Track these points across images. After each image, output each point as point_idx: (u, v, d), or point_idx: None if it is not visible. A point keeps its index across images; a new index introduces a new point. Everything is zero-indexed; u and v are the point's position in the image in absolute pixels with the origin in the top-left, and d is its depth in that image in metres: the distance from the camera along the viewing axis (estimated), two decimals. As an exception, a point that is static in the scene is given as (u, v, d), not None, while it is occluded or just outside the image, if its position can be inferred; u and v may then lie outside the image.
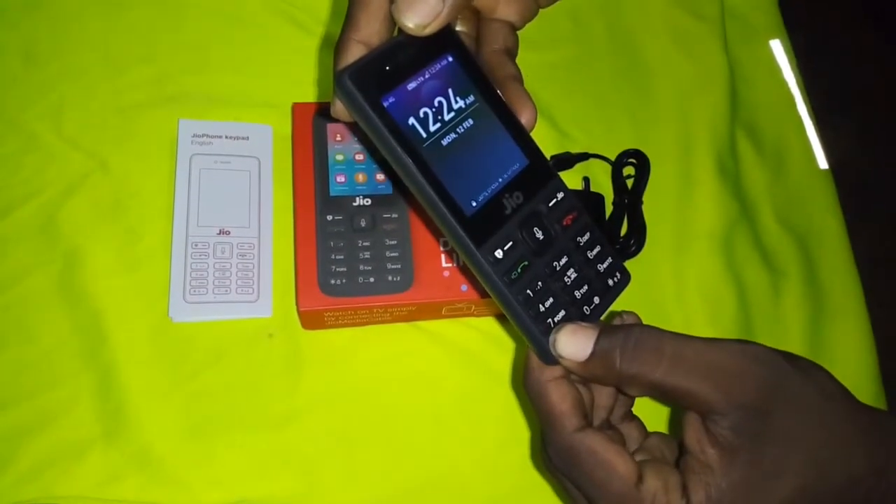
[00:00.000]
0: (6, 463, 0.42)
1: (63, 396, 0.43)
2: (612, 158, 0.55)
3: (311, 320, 0.45)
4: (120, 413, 0.43)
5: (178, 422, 0.44)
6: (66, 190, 0.48)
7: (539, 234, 0.33)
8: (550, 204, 0.34)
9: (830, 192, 0.60)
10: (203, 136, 0.49)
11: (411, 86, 0.31)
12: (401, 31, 0.31)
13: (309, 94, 0.50)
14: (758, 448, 0.30)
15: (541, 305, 0.33)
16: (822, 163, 0.61)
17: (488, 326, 0.49)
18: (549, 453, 0.34)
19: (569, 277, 0.34)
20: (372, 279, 0.44)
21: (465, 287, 0.45)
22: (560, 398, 0.33)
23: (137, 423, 0.43)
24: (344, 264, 0.44)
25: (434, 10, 0.31)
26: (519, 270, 0.33)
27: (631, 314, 0.37)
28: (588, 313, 0.35)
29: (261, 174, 0.49)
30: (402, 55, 0.31)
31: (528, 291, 0.33)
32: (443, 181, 0.31)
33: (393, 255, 0.45)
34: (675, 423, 0.47)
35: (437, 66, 0.32)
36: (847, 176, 0.66)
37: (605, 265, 0.35)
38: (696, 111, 0.59)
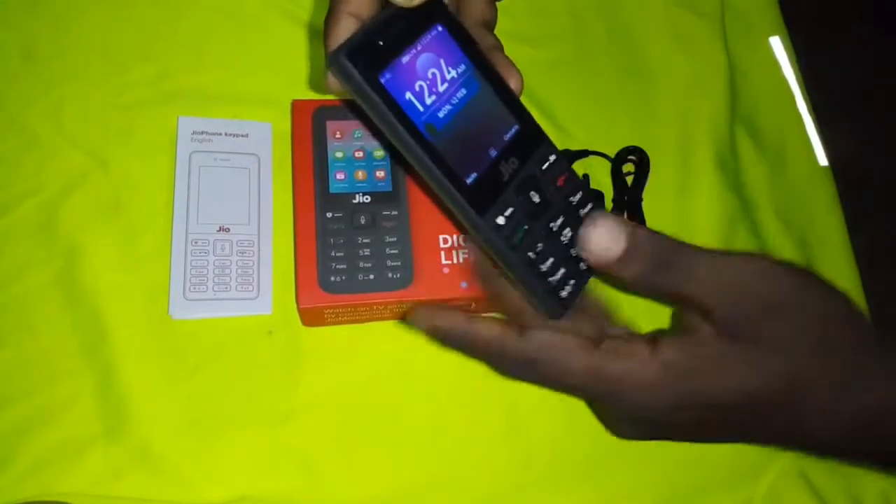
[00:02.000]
0: (7, 460, 0.42)
1: (63, 393, 0.43)
2: (612, 155, 0.55)
3: (311, 317, 0.45)
4: (120, 410, 0.43)
5: (178, 418, 0.44)
6: (65, 187, 0.48)
7: (536, 198, 0.34)
8: (544, 167, 0.35)
9: (830, 189, 0.60)
10: (202, 133, 0.49)
11: (405, 59, 0.31)
12: (390, 3, 0.31)
13: (308, 92, 0.50)
14: (747, 337, 0.31)
15: (542, 266, 0.34)
16: (822, 159, 0.61)
17: (488, 323, 0.49)
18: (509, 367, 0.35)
19: (565, 237, 0.35)
20: (372, 276, 0.44)
21: (465, 284, 0.45)
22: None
23: (138, 419, 0.43)
24: (344, 261, 0.44)
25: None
26: (520, 234, 0.34)
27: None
28: (584, 268, 0.36)
29: (260, 171, 0.49)
30: (394, 29, 0.31)
31: (530, 254, 0.34)
32: (443, 154, 0.32)
33: (393, 252, 0.45)
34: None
35: (429, 38, 0.32)
36: (847, 172, 0.66)
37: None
38: (695, 108, 0.59)
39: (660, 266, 0.32)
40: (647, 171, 0.54)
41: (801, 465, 0.49)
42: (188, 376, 0.45)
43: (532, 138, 0.35)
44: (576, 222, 0.35)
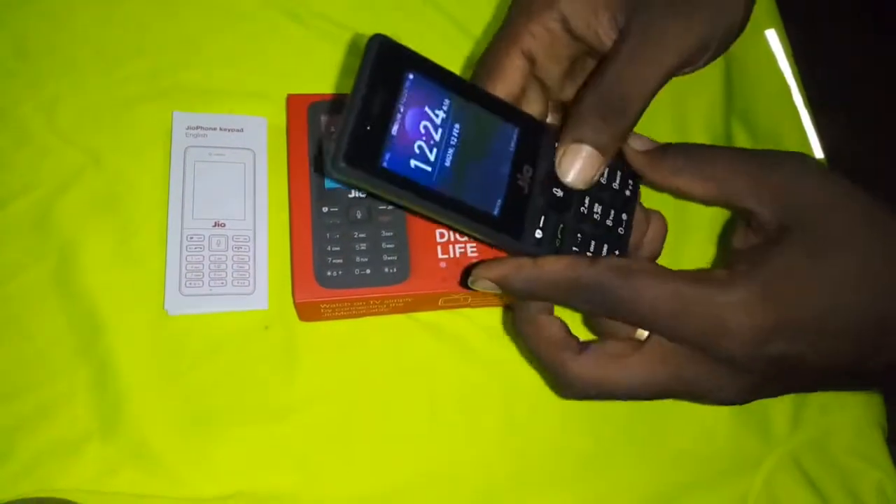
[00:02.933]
0: (3, 457, 0.42)
1: (59, 391, 0.43)
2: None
3: (307, 312, 0.45)
4: (117, 407, 0.43)
5: (174, 415, 0.44)
6: (60, 185, 0.47)
7: (559, 193, 0.34)
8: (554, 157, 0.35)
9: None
10: (197, 128, 0.49)
11: (395, 130, 0.30)
12: (357, 84, 0.29)
13: (303, 86, 0.49)
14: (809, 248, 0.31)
15: (588, 253, 0.34)
16: (818, 152, 0.61)
17: (485, 317, 0.49)
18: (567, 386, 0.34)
19: (597, 213, 0.35)
20: (368, 271, 0.44)
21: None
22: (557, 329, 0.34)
23: (134, 416, 0.43)
24: (340, 256, 0.44)
25: (595, 166, 0.33)
26: (560, 235, 0.34)
27: (657, 215, 0.39)
28: (623, 233, 0.36)
29: (255, 166, 0.49)
30: (373, 104, 0.29)
31: (575, 248, 0.34)
32: (465, 200, 0.32)
33: (389, 246, 0.45)
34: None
35: (406, 93, 0.30)
36: (842, 165, 0.66)
37: (617, 181, 0.37)
38: (691, 101, 0.59)
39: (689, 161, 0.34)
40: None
41: (797, 458, 0.50)
42: (184, 372, 0.45)
43: (532, 134, 0.35)
44: (598, 192, 0.36)
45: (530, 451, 0.47)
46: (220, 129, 0.49)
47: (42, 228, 0.46)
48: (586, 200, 0.35)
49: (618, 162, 0.37)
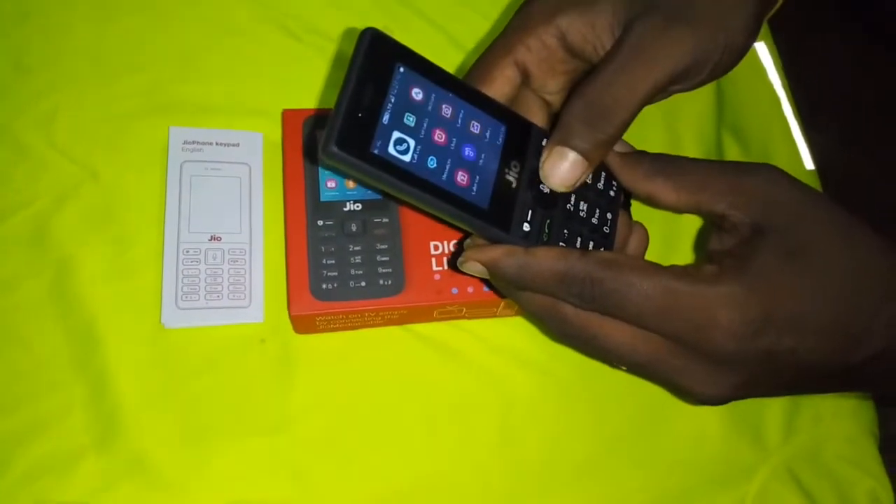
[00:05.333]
0: (0, 471, 0.42)
1: (56, 404, 0.43)
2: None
3: (302, 325, 0.45)
4: (113, 420, 0.43)
5: (171, 428, 0.44)
6: (57, 199, 0.48)
7: (546, 189, 0.35)
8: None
9: (816, 192, 0.61)
10: (193, 143, 0.49)
11: (386, 118, 0.31)
12: (348, 73, 0.30)
13: (299, 101, 0.50)
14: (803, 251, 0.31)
15: (574, 248, 0.35)
16: (809, 163, 0.62)
17: (480, 328, 0.49)
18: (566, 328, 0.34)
19: (583, 211, 0.36)
20: (363, 283, 0.45)
21: (455, 290, 0.46)
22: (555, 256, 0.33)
23: (131, 429, 0.43)
24: (335, 269, 0.44)
25: (578, 172, 0.34)
26: (547, 231, 0.34)
27: (640, 226, 0.40)
28: (608, 231, 0.37)
29: (251, 180, 0.49)
30: (364, 94, 0.30)
31: (561, 243, 0.35)
32: (454, 192, 0.32)
33: (384, 259, 0.45)
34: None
35: (396, 85, 0.32)
36: (833, 176, 0.67)
37: (601, 182, 0.38)
38: (682, 112, 0.59)
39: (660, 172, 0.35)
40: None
41: (790, 466, 0.50)
42: (181, 385, 0.45)
43: (520, 131, 0.35)
44: (585, 191, 0.36)
45: (526, 461, 0.47)
46: (217, 143, 0.50)
47: (39, 242, 0.47)
48: (572, 198, 0.36)
49: (602, 163, 0.37)
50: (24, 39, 0.52)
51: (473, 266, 0.35)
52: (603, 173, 0.38)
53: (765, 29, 0.66)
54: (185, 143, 0.49)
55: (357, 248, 0.45)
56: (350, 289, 0.44)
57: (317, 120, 0.48)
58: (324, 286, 0.44)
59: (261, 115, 0.51)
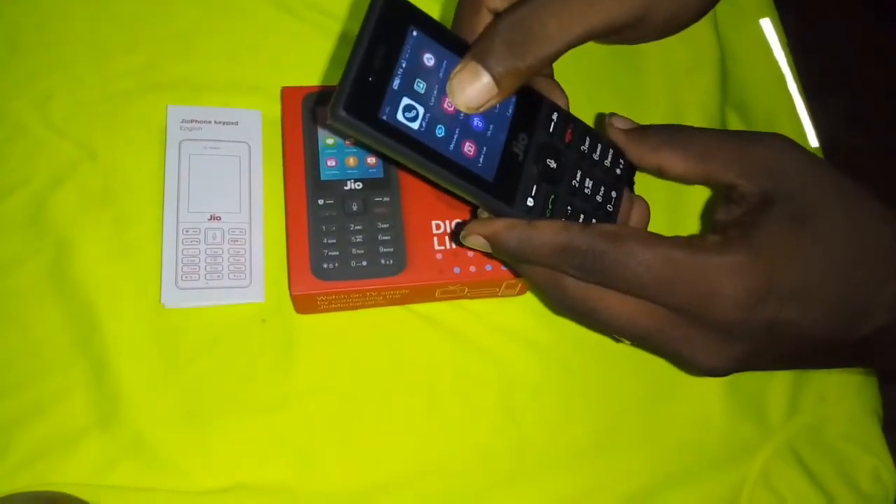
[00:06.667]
0: (1, 452, 0.42)
1: (56, 385, 0.43)
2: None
3: (303, 305, 0.45)
4: (114, 400, 0.43)
5: (172, 408, 0.44)
6: (54, 179, 0.47)
7: (552, 164, 0.35)
8: (551, 130, 0.35)
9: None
10: (192, 121, 0.49)
11: (396, 84, 0.30)
12: (360, 36, 0.29)
13: (298, 78, 0.49)
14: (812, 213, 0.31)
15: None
16: (813, 141, 0.61)
17: (482, 308, 0.49)
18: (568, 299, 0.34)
19: (587, 188, 0.36)
20: (364, 263, 0.44)
21: (457, 269, 0.45)
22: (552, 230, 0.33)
23: (131, 410, 0.43)
24: (336, 248, 0.44)
25: (485, 96, 0.31)
26: (550, 206, 0.34)
27: (642, 200, 0.39)
28: (611, 210, 0.37)
29: (251, 159, 0.49)
30: (376, 57, 0.30)
31: (563, 219, 0.34)
32: (460, 162, 0.32)
33: (385, 238, 0.45)
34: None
35: (408, 49, 0.31)
36: (837, 153, 0.66)
37: (609, 159, 0.37)
38: (686, 91, 0.58)
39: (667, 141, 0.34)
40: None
41: (793, 445, 0.50)
42: (181, 365, 0.45)
43: (530, 103, 0.35)
44: (592, 168, 0.36)
45: (528, 441, 0.47)
46: (215, 122, 0.49)
47: (37, 223, 0.46)
48: (578, 174, 0.36)
49: (609, 140, 0.37)
50: (19, 18, 0.51)
51: (475, 240, 0.34)
52: (610, 150, 0.37)
53: (770, 6, 0.65)
54: (183, 121, 0.49)
55: (358, 228, 0.45)
56: (351, 268, 0.44)
57: (319, 97, 0.47)
58: (325, 266, 0.44)
59: (259, 93, 0.51)
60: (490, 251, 0.34)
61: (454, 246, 0.46)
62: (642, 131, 0.36)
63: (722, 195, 0.35)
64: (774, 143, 0.33)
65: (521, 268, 0.35)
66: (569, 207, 0.35)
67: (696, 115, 0.58)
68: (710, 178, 0.34)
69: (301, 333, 0.46)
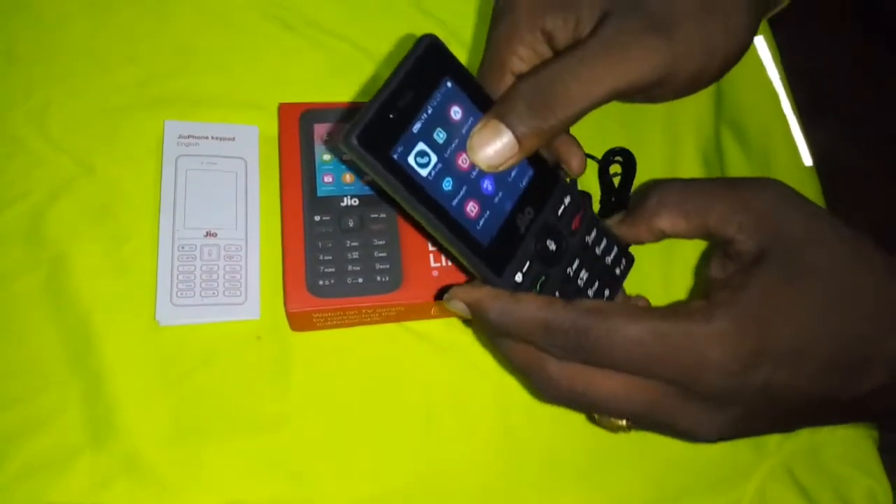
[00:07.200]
0: (-6, 469, 0.41)
1: (50, 402, 0.43)
2: (599, 157, 0.55)
3: (299, 322, 0.45)
4: (108, 418, 0.43)
5: (166, 426, 0.43)
6: (51, 193, 0.47)
7: (552, 247, 0.34)
8: (559, 212, 0.35)
9: (815, 189, 0.61)
10: (189, 137, 0.49)
11: (416, 127, 0.30)
12: (395, 72, 0.29)
13: (295, 95, 0.49)
14: (784, 276, 0.30)
15: None
16: (807, 159, 0.61)
17: (477, 326, 0.49)
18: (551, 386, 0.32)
19: (581, 279, 0.35)
20: (360, 280, 0.44)
21: (454, 287, 0.45)
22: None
23: (126, 427, 0.43)
24: (332, 265, 0.44)
25: (506, 155, 0.31)
26: (539, 288, 0.33)
27: (641, 298, 0.38)
28: (608, 295, 0.36)
29: (247, 175, 0.49)
30: (404, 97, 0.29)
31: None
32: (459, 220, 0.31)
33: (381, 255, 0.45)
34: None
35: (438, 97, 0.31)
36: (832, 172, 0.67)
37: (611, 256, 0.37)
38: (681, 110, 0.59)
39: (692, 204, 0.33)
40: (634, 173, 0.54)
41: (789, 466, 0.50)
42: (176, 383, 0.44)
43: (546, 181, 0.34)
44: (592, 262, 0.35)
45: (525, 459, 0.47)
46: (212, 137, 0.49)
47: (34, 237, 0.46)
48: (575, 263, 0.35)
49: (616, 237, 0.37)
50: (16, 32, 0.51)
51: (457, 304, 0.33)
52: (614, 248, 0.37)
53: (764, 25, 0.66)
54: (180, 136, 0.49)
55: (354, 244, 0.45)
56: (347, 285, 0.44)
57: (345, 113, 0.47)
58: (321, 282, 0.43)
59: (257, 109, 0.51)
60: (470, 318, 0.33)
61: (450, 263, 0.46)
62: (632, 213, 0.36)
63: (720, 248, 0.35)
64: (773, 193, 0.33)
65: (501, 346, 0.34)
66: (557, 294, 0.34)
67: (692, 134, 0.58)
68: (710, 232, 0.34)
69: (296, 351, 0.46)
